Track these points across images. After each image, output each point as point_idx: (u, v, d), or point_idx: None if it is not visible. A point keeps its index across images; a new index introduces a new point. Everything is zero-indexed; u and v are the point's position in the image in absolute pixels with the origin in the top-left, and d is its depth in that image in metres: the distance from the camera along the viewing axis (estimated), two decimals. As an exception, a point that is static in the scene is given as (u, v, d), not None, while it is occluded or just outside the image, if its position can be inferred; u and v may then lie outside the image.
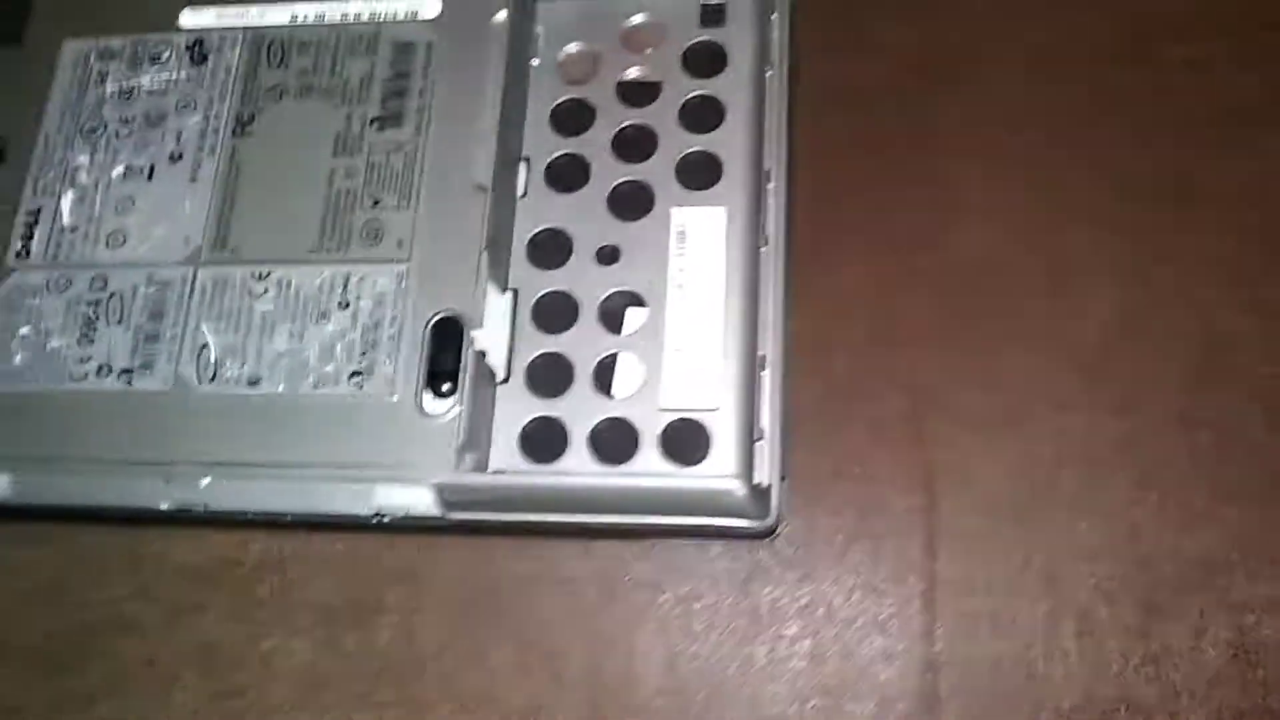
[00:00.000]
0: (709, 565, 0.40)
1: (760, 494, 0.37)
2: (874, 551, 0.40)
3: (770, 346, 0.38)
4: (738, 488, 0.36)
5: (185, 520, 0.40)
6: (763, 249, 0.39)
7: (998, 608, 0.39)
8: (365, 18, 0.42)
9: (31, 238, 0.41)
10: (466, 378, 0.38)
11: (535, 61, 0.42)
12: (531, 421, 0.39)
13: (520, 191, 0.41)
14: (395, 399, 0.38)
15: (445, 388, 0.38)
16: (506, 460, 0.38)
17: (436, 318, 0.39)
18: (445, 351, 0.38)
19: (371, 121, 0.41)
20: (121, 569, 0.42)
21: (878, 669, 0.39)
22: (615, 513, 0.38)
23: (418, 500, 0.38)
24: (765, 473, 0.37)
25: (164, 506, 0.39)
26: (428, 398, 0.38)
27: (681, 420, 0.38)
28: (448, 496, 0.37)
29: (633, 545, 0.40)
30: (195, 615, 0.41)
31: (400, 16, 0.42)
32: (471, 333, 0.38)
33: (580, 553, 0.40)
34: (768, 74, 0.41)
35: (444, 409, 0.38)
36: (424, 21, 0.42)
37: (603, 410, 0.39)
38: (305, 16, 0.43)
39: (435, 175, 0.40)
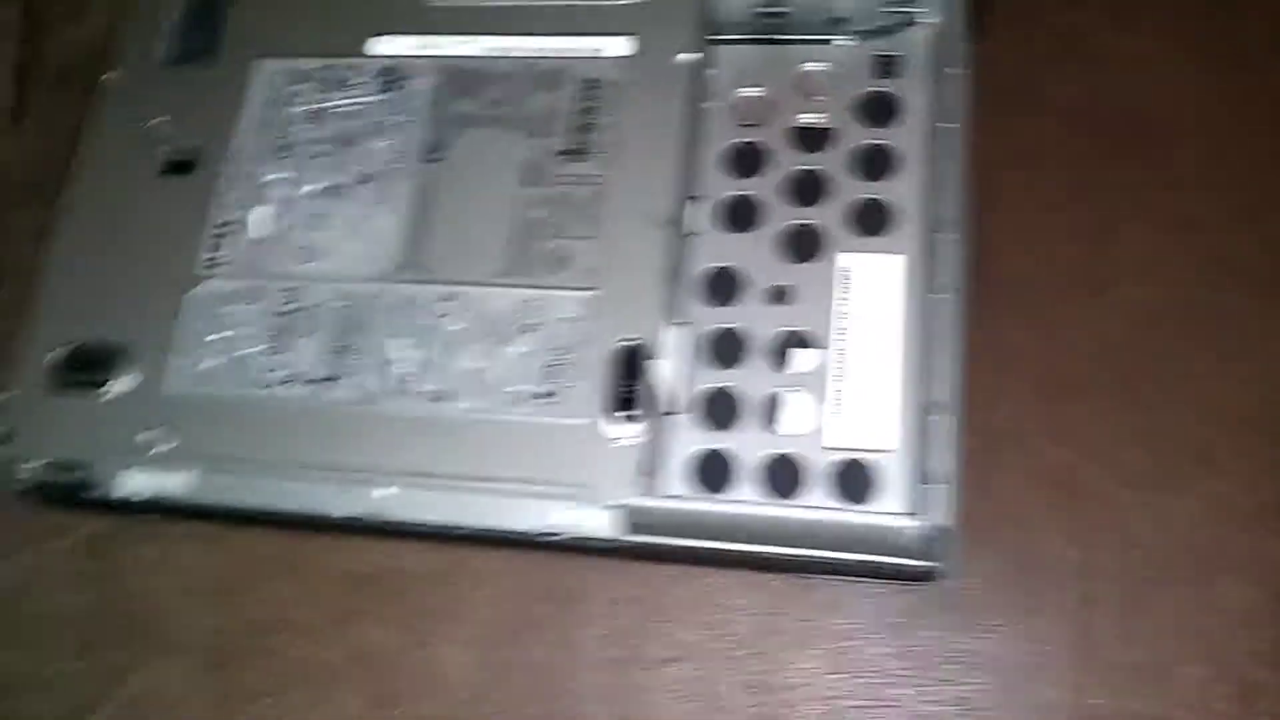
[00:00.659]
0: (867, 604, 0.41)
1: (930, 536, 0.38)
2: (1030, 602, 0.40)
3: (944, 392, 0.39)
4: (910, 526, 0.37)
5: (354, 528, 0.41)
6: (937, 297, 0.40)
7: (1152, 665, 0.39)
8: (554, 53, 0.44)
9: (220, 249, 0.43)
10: (648, 404, 0.39)
11: (710, 103, 0.44)
12: (701, 452, 0.40)
13: (694, 229, 0.42)
14: (578, 421, 0.39)
15: (627, 413, 0.39)
16: (676, 488, 0.39)
17: (619, 345, 0.40)
18: (627, 378, 0.39)
19: (558, 154, 0.42)
20: (289, 572, 0.43)
21: None
22: (782, 545, 0.39)
23: (594, 521, 0.39)
24: (936, 515, 0.38)
25: (339, 514, 0.40)
26: (610, 422, 0.39)
27: (847, 459, 0.39)
28: (626, 519, 0.38)
29: (793, 579, 0.41)
30: (358, 621, 0.42)
31: (588, 53, 0.44)
32: (652, 361, 0.39)
33: (741, 583, 0.41)
34: (947, 127, 0.42)
35: (625, 433, 0.39)
36: (611, 59, 0.43)
37: (770, 445, 0.40)
38: (494, 49, 0.44)
39: (619, 208, 0.41)
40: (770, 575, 0.41)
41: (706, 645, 0.41)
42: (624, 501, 0.38)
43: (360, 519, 0.40)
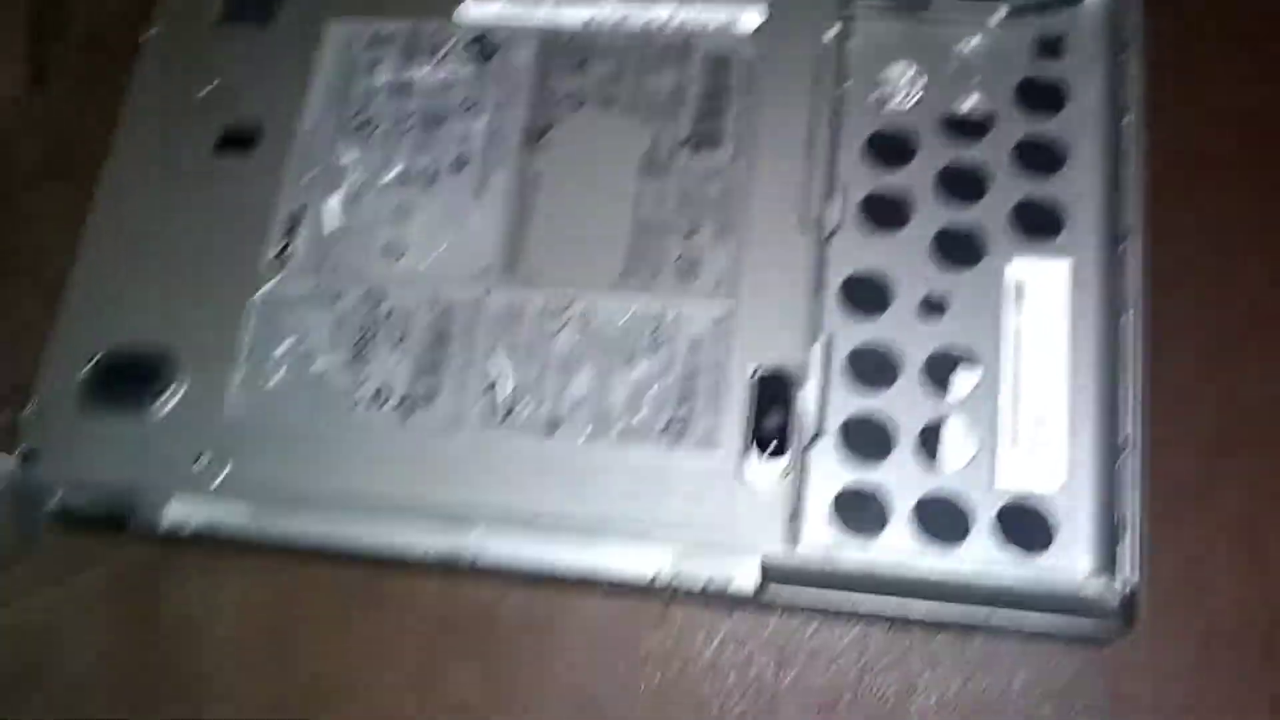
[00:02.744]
0: (1029, 666, 0.36)
1: (1122, 595, 0.33)
2: (1213, 669, 0.35)
3: (1132, 426, 0.34)
4: (1100, 585, 0.32)
5: (441, 567, 0.35)
6: (1121, 315, 0.35)
7: (1353, 741, 0.34)
8: (675, 25, 0.38)
9: (292, 240, 0.37)
10: (797, 440, 0.33)
11: (850, 83, 0.38)
12: (848, 488, 0.34)
13: (834, 228, 0.36)
14: (713, 459, 0.34)
15: (769, 452, 0.33)
16: (821, 532, 0.34)
17: (760, 372, 0.34)
18: (771, 408, 0.34)
19: (683, 142, 0.37)
20: (361, 615, 0.38)
21: (1221, 802, 0.34)
22: (944, 600, 0.34)
23: (730, 572, 0.33)
24: (1127, 571, 0.33)
25: (428, 554, 0.35)
26: (752, 460, 0.33)
27: (1020, 502, 0.34)
28: (773, 572, 0.33)
29: (943, 635, 0.36)
30: (443, 673, 0.37)
31: (715, 27, 0.38)
32: (797, 391, 0.34)
33: (886, 637, 0.36)
34: (1124, 120, 0.36)
35: (767, 475, 0.33)
36: (742, 34, 0.37)
37: (928, 483, 0.34)
38: (604, 19, 0.38)
39: (756, 206, 0.36)
40: (919, 627, 0.36)
41: (845, 706, 0.36)
42: (777, 554, 0.33)
43: (451, 560, 0.35)
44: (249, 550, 0.36)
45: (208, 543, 0.36)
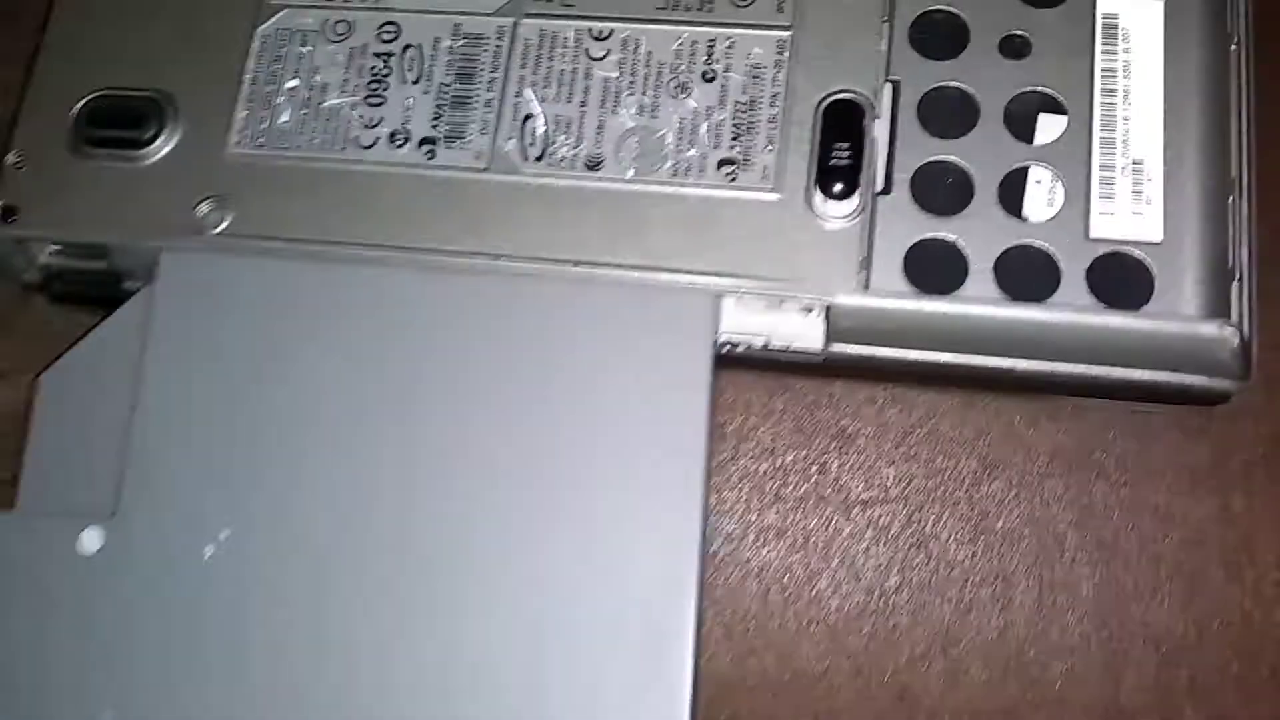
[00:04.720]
0: (1135, 433, 0.32)
1: (1236, 342, 0.29)
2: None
3: (1238, 167, 0.30)
4: (1213, 333, 0.29)
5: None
6: (1227, 49, 0.31)
7: None
8: None
9: (298, -33, 0.33)
10: (868, 177, 0.30)
11: None
12: (919, 242, 0.31)
13: (907, -41, 0.33)
14: (777, 197, 0.30)
15: (839, 188, 0.30)
16: (889, 284, 0.31)
17: (829, 100, 0.30)
18: (839, 143, 0.30)
19: None
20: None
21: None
22: (1034, 359, 0.30)
23: (796, 327, 0.30)
24: (1240, 317, 0.30)
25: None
26: (819, 198, 0.30)
27: (1115, 254, 0.30)
28: (841, 323, 0.29)
29: (1031, 404, 0.32)
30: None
31: None
32: (872, 123, 0.30)
33: (964, 407, 0.33)
34: None
35: (839, 213, 0.30)
36: None
37: (1011, 235, 0.31)
38: None
39: (821, -78, 0.32)
40: (999, 398, 0.33)
41: (918, 485, 0.33)
42: (848, 302, 0.29)
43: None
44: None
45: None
